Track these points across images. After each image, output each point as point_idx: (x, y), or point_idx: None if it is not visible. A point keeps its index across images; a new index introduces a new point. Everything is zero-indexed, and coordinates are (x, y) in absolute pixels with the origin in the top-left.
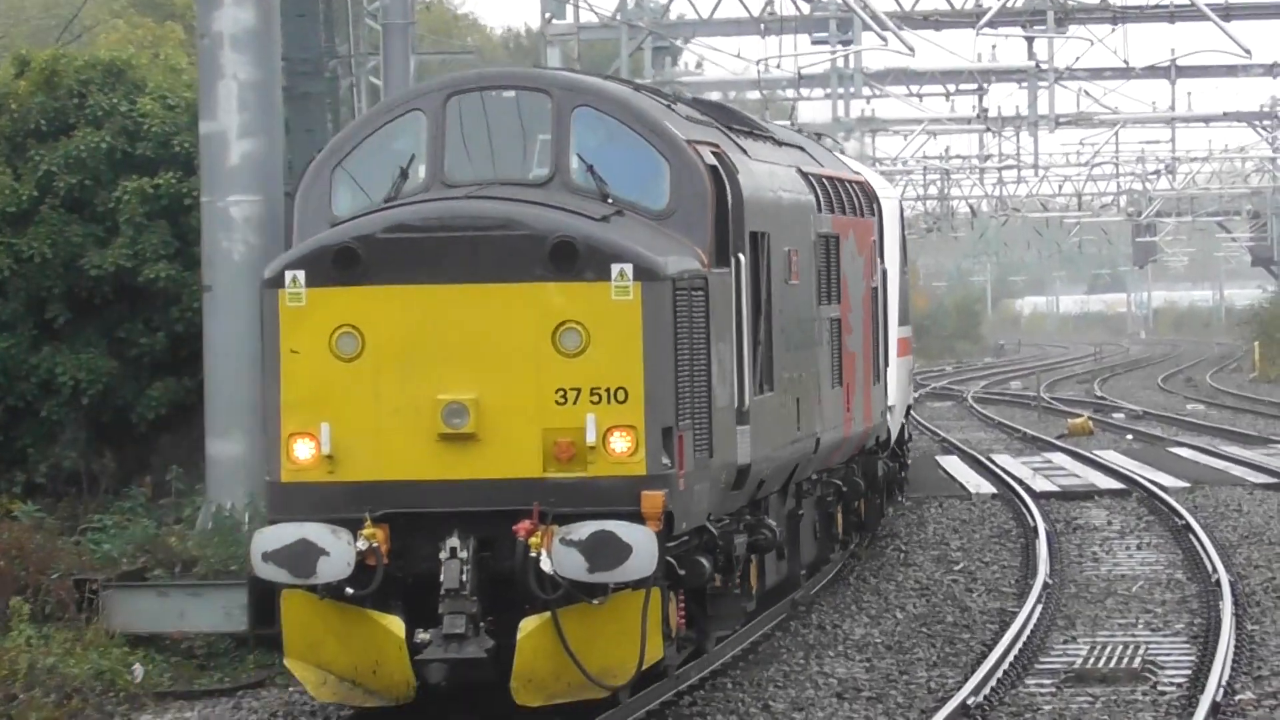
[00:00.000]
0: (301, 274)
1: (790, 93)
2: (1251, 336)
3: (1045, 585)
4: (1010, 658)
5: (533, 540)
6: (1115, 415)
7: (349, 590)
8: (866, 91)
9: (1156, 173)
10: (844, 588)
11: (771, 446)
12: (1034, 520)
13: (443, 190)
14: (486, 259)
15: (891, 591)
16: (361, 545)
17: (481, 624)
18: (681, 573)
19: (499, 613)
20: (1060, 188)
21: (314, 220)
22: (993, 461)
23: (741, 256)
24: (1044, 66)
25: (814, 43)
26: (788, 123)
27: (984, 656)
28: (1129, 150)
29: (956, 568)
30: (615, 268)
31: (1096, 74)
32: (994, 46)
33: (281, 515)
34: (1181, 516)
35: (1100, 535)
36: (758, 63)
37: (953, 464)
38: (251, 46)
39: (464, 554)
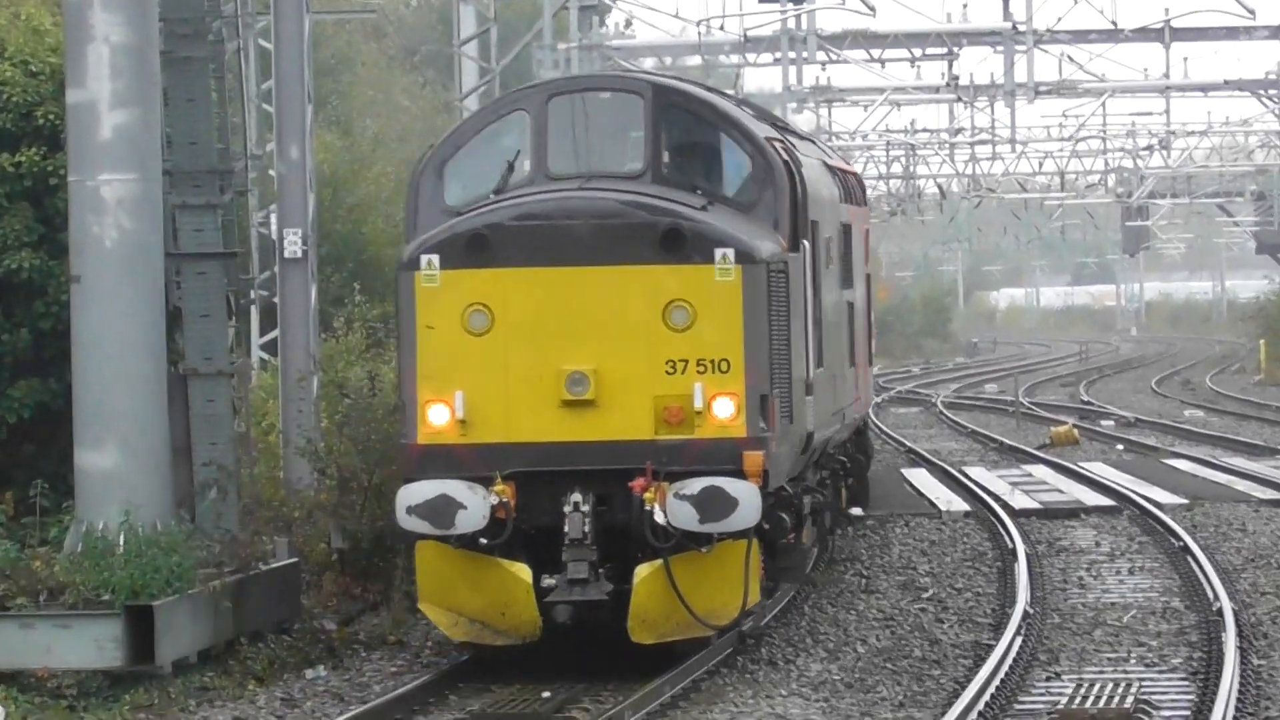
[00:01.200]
0: (436, 258)
1: (735, 58)
2: (1256, 334)
3: (1025, 615)
4: (986, 697)
5: (647, 495)
6: (1103, 423)
7: (483, 540)
8: (821, 56)
9: (1149, 148)
10: (798, 618)
11: (823, 417)
12: (1012, 541)
13: (546, 183)
14: (604, 244)
15: (852, 622)
16: (493, 500)
17: (600, 570)
18: (766, 527)
19: (613, 561)
20: (1040, 165)
21: (429, 210)
22: (966, 475)
23: (806, 243)
24: (1021, 28)
25: (761, 0)
26: (731, 92)
27: (956, 696)
28: (1118, 123)
29: (925, 595)
30: (719, 252)
31: (1081, 36)
32: (965, 5)
33: (417, 475)
34: (1179, 537)
35: (1087, 558)
36: (698, 24)
37: (920, 478)
38: (125, 5)
39: (585, 508)
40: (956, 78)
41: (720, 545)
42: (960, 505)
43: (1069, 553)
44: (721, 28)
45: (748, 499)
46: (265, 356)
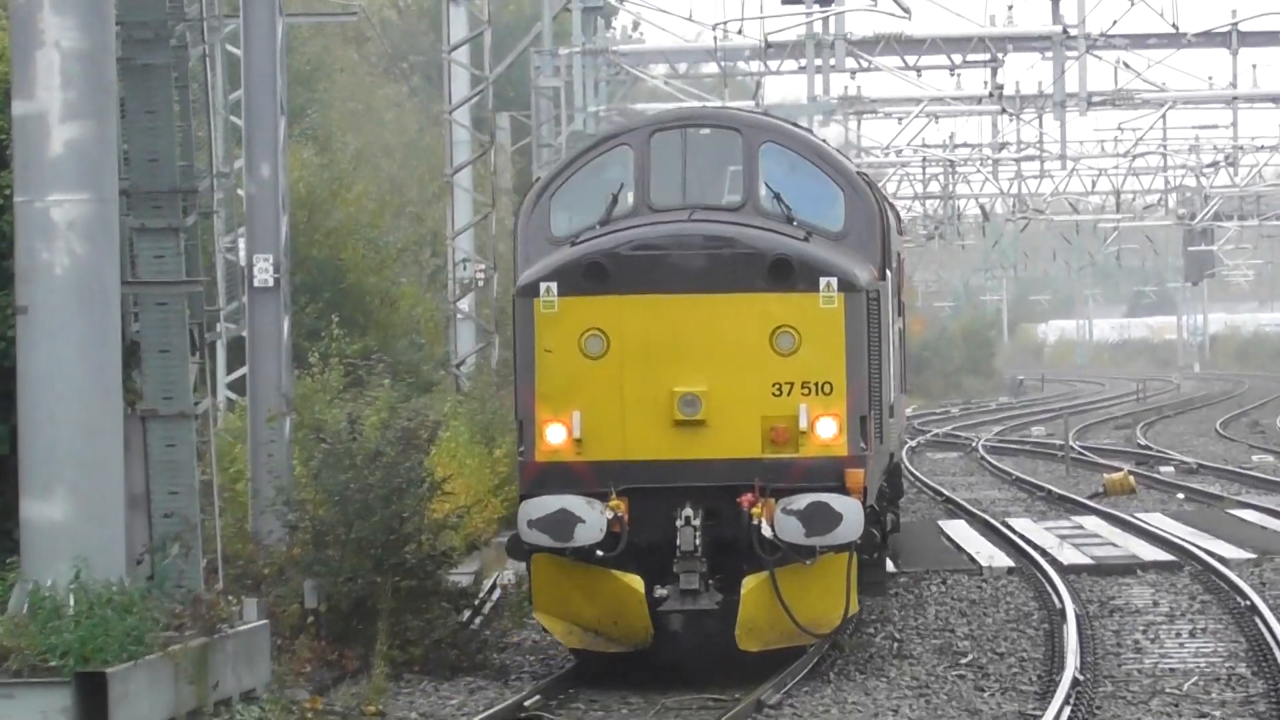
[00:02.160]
0: (555, 284)
1: (755, 65)
2: None
3: (1075, 682)
4: None
5: (755, 510)
6: (1163, 469)
7: (599, 553)
8: (850, 64)
9: (1214, 165)
10: (822, 685)
11: (897, 440)
12: (1061, 601)
13: (649, 214)
14: (715, 272)
15: (882, 690)
16: (608, 515)
17: (710, 582)
18: (858, 542)
19: (721, 573)
20: (1094, 184)
21: (536, 240)
22: (1009, 527)
23: (890, 271)
24: (1073, 32)
25: (785, 2)
26: (752, 104)
27: None
28: (1179, 137)
29: (964, 661)
30: (823, 280)
31: (1139, 41)
32: (1010, 7)
33: (535, 490)
34: (1245, 595)
35: (1144, 619)
36: (714, 27)
37: (959, 530)
38: (78, 7)
39: (696, 522)
40: (1001, 87)
41: (823, 558)
42: (1003, 561)
43: (1124, 613)
44: (740, 32)
45: (851, 514)
46: (233, 396)
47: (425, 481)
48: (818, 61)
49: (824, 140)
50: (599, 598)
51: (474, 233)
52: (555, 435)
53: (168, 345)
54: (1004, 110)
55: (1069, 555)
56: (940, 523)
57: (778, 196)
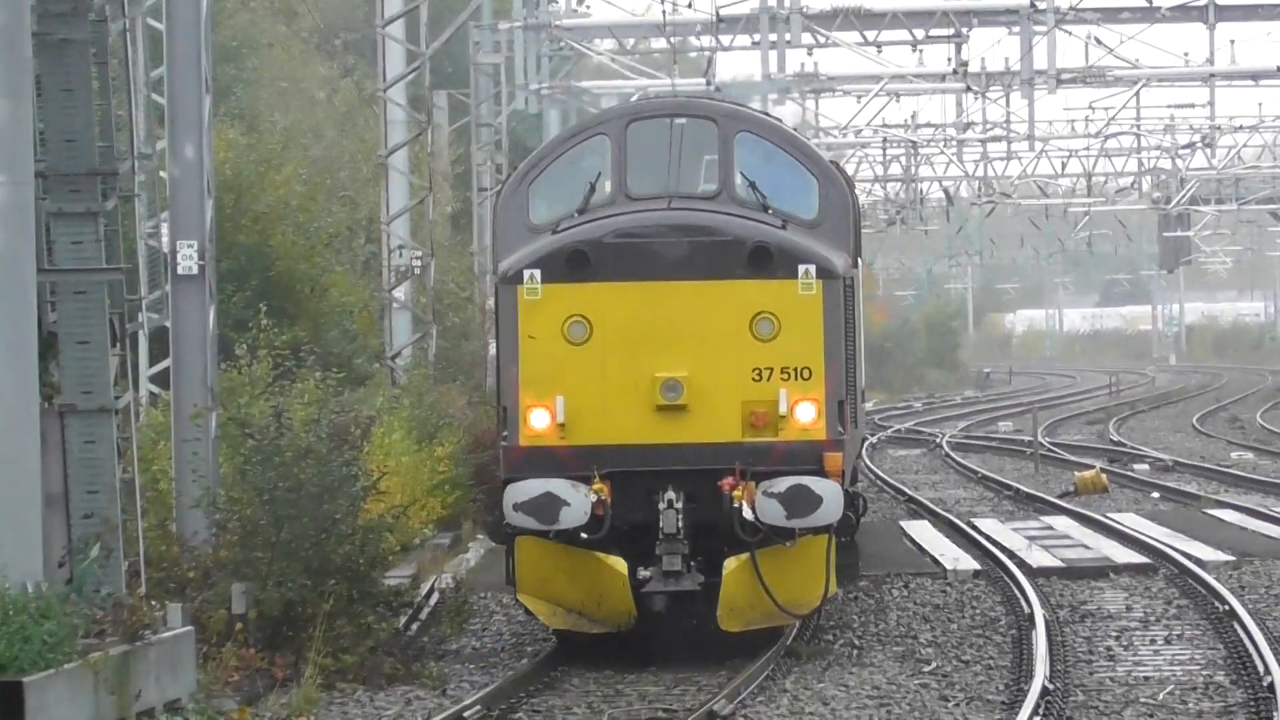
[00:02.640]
0: (538, 272)
1: (706, 41)
2: None
3: (1044, 691)
4: None
5: (736, 493)
6: (1137, 467)
7: (583, 535)
8: (807, 39)
9: (1190, 146)
10: (777, 694)
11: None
12: (1029, 606)
13: (626, 203)
14: (696, 260)
15: (841, 700)
16: (592, 498)
17: (692, 563)
18: (836, 526)
19: (702, 555)
20: (1063, 166)
21: (514, 228)
22: (975, 528)
23: (860, 259)
24: (1041, 5)
25: None
26: (702, 81)
27: None
28: (1154, 117)
29: (927, 669)
30: (801, 267)
31: (1111, 16)
32: None
33: (518, 474)
34: (1224, 600)
35: (1117, 625)
36: (663, 1)
37: (922, 531)
38: None
39: (678, 505)
40: (965, 64)
41: (802, 540)
42: (969, 563)
43: (1095, 619)
44: (690, 5)
45: (831, 496)
46: (155, 390)
47: (358, 480)
48: (772, 37)
49: (795, 129)
50: (582, 579)
51: (409, 217)
52: (539, 420)
53: (87, 336)
54: (969, 88)
55: (1038, 558)
56: (902, 523)
57: (753, 185)
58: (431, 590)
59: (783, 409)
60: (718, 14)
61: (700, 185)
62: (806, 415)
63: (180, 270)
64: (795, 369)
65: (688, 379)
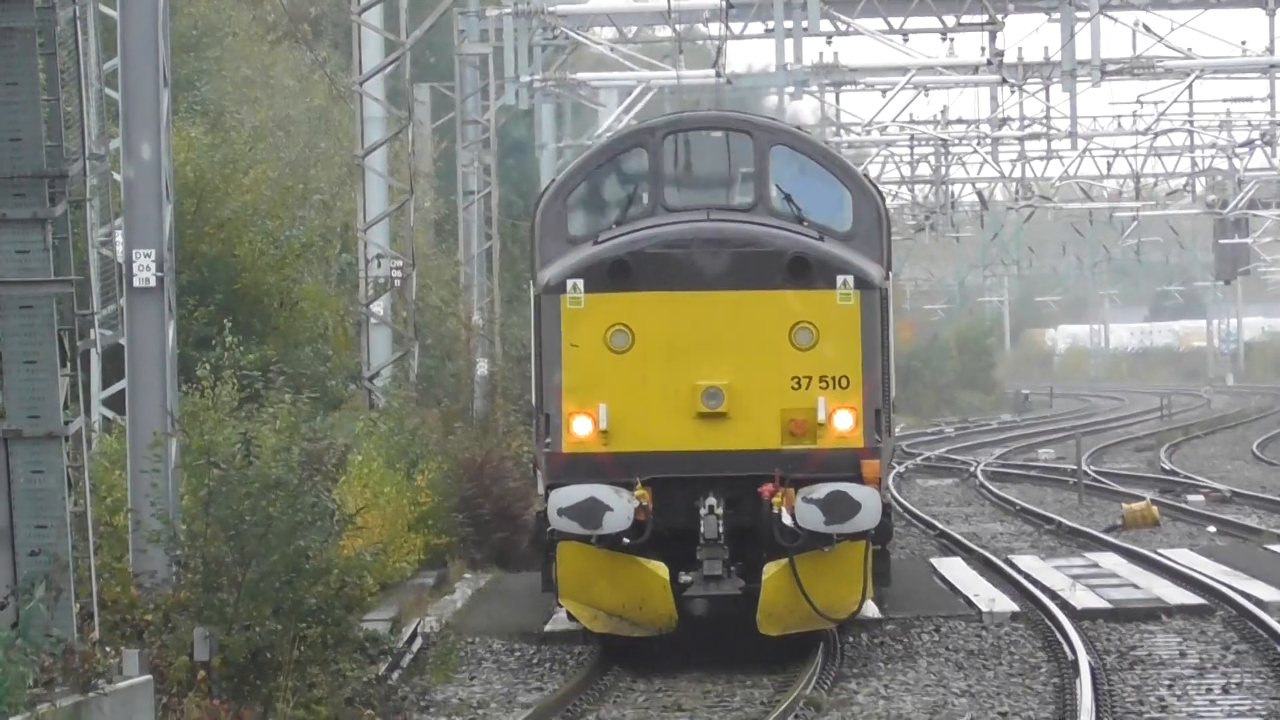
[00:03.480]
0: (581, 282)
1: (715, 28)
2: None
3: None
4: None
5: (775, 499)
6: (1191, 498)
7: (625, 540)
8: (826, 26)
9: (1248, 144)
10: None
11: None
12: (1073, 651)
13: (664, 214)
14: (736, 270)
15: None
16: (634, 504)
17: (732, 568)
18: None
19: (741, 560)
20: (1109, 166)
21: (554, 239)
22: (1013, 566)
23: (891, 271)
24: None
25: None
26: (710, 73)
27: None
28: (1208, 112)
29: None
30: (840, 278)
31: (1161, 1)
32: None
33: (561, 480)
34: None
35: (1170, 672)
36: None
37: (954, 569)
38: None
39: (719, 511)
40: (1001, 54)
41: (840, 545)
42: (1006, 605)
43: (1146, 666)
44: None
45: (869, 502)
46: (109, 414)
47: (333, 513)
48: (788, 23)
49: (829, 144)
50: (624, 584)
51: (389, 224)
52: (581, 427)
53: (34, 355)
54: (1004, 81)
55: (1082, 598)
56: (933, 561)
57: (788, 197)
58: (414, 635)
59: (821, 417)
60: (728, 0)
61: (737, 198)
62: (844, 423)
63: (136, 282)
64: (834, 378)
65: (728, 387)
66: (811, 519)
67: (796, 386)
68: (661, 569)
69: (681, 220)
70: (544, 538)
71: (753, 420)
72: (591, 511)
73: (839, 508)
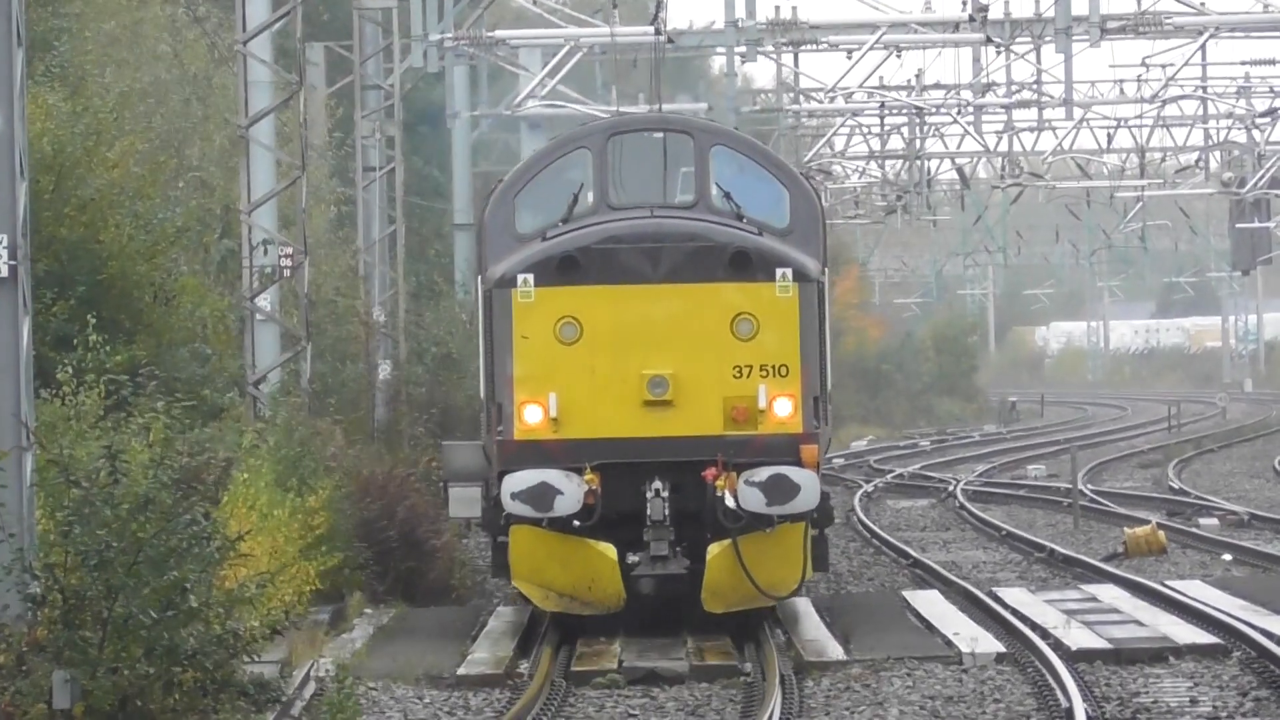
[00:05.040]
0: (531, 276)
1: None
2: None
3: None
4: None
5: (718, 483)
6: (1203, 522)
7: (575, 523)
8: None
9: (1270, 114)
10: None
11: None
12: (1067, 698)
13: (608, 212)
14: (679, 264)
15: None
16: (584, 488)
17: (678, 549)
18: (816, 515)
19: (686, 541)
20: (1110, 139)
21: (502, 237)
22: (998, 600)
23: (828, 267)
24: None
25: None
26: (649, 30)
27: None
28: (1224, 76)
29: None
30: (779, 271)
31: None
32: None
33: (513, 466)
34: None
35: None
36: None
37: (931, 604)
38: None
39: (664, 494)
40: (985, 9)
41: (781, 527)
42: (990, 645)
43: (1151, 715)
44: None
45: (809, 485)
46: None
47: (213, 539)
48: None
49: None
50: (574, 565)
51: (277, 204)
52: (532, 415)
53: None
54: (989, 40)
55: (1078, 637)
56: (906, 594)
57: (728, 195)
58: (306, 679)
59: (762, 404)
60: None
61: (678, 196)
62: (784, 410)
63: None
64: (773, 366)
65: (673, 376)
66: (753, 501)
67: (738, 375)
68: (610, 550)
69: (626, 218)
70: (496, 523)
71: (696, 407)
72: (543, 495)
73: (779, 490)
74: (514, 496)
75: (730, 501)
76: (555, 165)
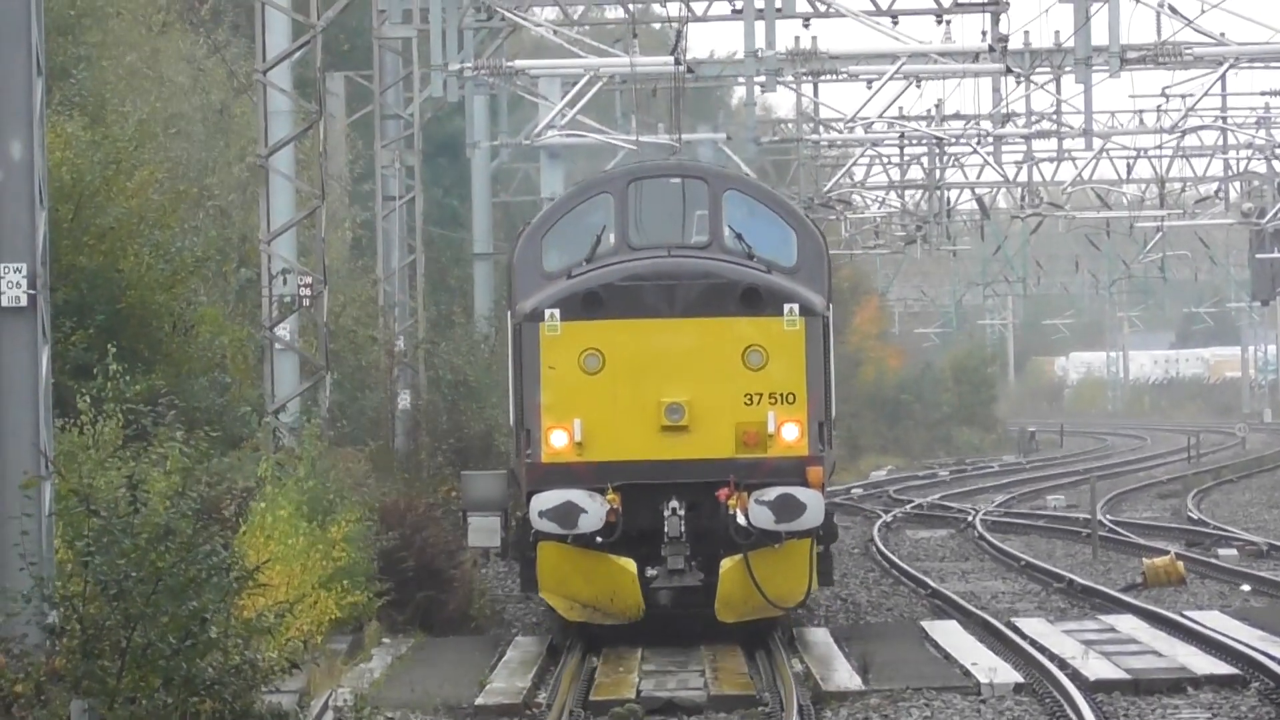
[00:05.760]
0: (558, 311)
1: (675, 8)
2: None
3: None
4: None
5: (730, 502)
6: (1222, 552)
7: (598, 539)
8: (803, 6)
9: None
10: None
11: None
12: None
13: (629, 253)
14: (695, 300)
15: None
16: (606, 506)
17: (693, 563)
18: (821, 533)
19: (701, 556)
20: (1130, 169)
21: (531, 275)
22: (1017, 631)
23: (832, 303)
24: None
25: None
26: (669, 60)
27: None
28: (1244, 106)
29: None
30: (787, 306)
31: None
32: None
33: (540, 487)
34: None
35: None
36: None
37: (949, 634)
38: None
39: (680, 512)
40: (1005, 39)
41: (788, 542)
42: (1008, 675)
43: None
44: None
45: (814, 504)
46: None
47: (232, 569)
48: (758, 3)
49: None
50: (597, 578)
51: (296, 234)
52: (558, 440)
53: None
54: (1009, 70)
55: (1096, 668)
56: (924, 624)
57: (739, 236)
58: (324, 709)
59: (771, 429)
60: None
61: (694, 237)
62: (791, 434)
63: (5, 302)
64: (782, 394)
65: (688, 403)
66: (763, 519)
67: (749, 402)
68: (630, 564)
69: (646, 257)
70: (524, 540)
71: (710, 432)
72: (568, 514)
73: (787, 509)
74: (541, 515)
75: (741, 519)
76: (580, 209)
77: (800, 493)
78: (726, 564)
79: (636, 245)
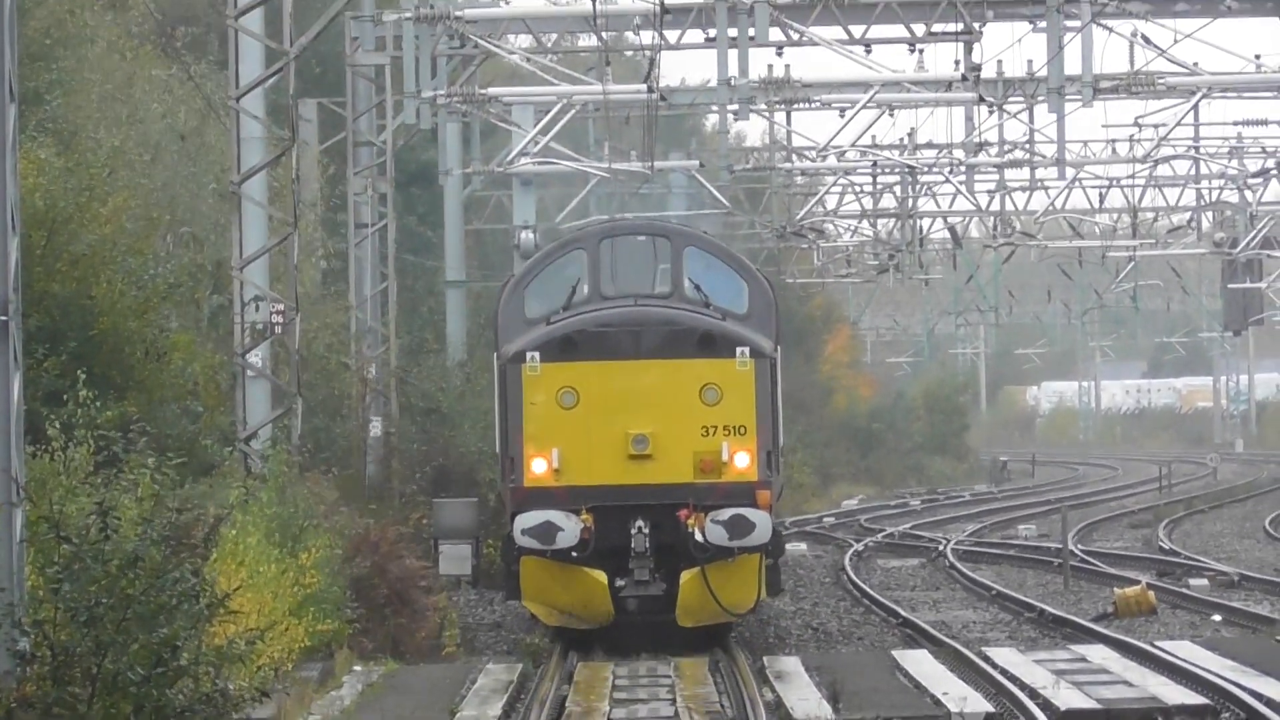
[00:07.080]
0: (538, 354)
1: (648, 36)
2: None
3: None
4: None
5: (689, 521)
6: (1193, 582)
7: (573, 554)
8: (776, 35)
9: (1262, 174)
10: None
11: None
12: None
13: (600, 301)
14: (658, 344)
15: None
16: (580, 525)
17: (656, 575)
18: (770, 548)
19: (663, 568)
20: (1102, 199)
21: (514, 322)
22: (988, 660)
23: (779, 345)
24: None
25: None
26: (642, 88)
27: None
28: (1216, 136)
29: None
30: (739, 349)
31: (1162, 8)
32: None
33: (523, 508)
34: None
35: None
36: None
37: (920, 663)
38: None
39: (645, 530)
40: (978, 68)
41: (740, 557)
42: (979, 705)
43: None
44: None
45: (762, 523)
46: None
47: (203, 596)
48: (732, 32)
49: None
50: (573, 587)
51: (268, 261)
52: (538, 466)
53: None
54: (982, 99)
55: (1067, 697)
56: (895, 654)
57: (698, 287)
58: None
59: (725, 457)
60: (663, 3)
61: (657, 287)
62: (743, 462)
63: None
64: (734, 426)
65: (652, 434)
66: (718, 536)
67: (705, 434)
68: (602, 576)
69: (615, 306)
70: (509, 554)
71: (671, 460)
72: (547, 532)
73: (739, 527)
74: (524, 533)
75: (699, 536)
76: (558, 262)
77: (750, 513)
78: (686, 575)
79: (608, 295)
